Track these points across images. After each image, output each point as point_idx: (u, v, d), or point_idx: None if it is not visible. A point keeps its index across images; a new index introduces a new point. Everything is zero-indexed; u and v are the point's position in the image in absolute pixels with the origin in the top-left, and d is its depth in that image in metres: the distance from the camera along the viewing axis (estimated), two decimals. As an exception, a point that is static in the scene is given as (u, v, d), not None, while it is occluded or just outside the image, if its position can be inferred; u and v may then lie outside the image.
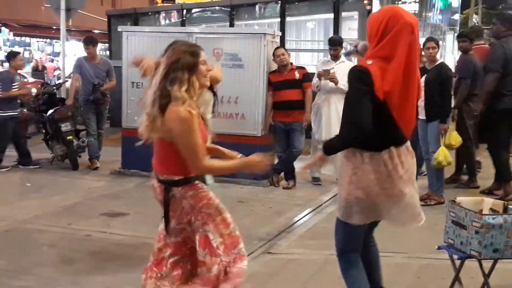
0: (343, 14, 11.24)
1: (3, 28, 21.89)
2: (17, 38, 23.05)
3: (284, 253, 4.92)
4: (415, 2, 13.51)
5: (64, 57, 10.69)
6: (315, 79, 7.26)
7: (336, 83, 6.98)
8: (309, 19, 14.32)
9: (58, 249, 4.86)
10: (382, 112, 2.95)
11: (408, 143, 3.16)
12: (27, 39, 23.82)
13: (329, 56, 7.50)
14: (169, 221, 3.02)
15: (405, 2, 12.68)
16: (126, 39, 7.75)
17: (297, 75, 7.19)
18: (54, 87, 9.30)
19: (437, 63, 6.40)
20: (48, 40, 24.59)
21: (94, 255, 4.74)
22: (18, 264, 4.49)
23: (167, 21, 13.60)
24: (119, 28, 8.16)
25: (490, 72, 6.68)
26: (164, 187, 2.99)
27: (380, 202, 3.06)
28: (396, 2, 11.90)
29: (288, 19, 11.82)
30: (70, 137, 8.06)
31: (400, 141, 3.09)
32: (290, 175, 7.35)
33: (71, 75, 8.79)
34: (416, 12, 14.23)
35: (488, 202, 3.72)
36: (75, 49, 19.35)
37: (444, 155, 6.19)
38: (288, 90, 7.15)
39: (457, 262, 3.65)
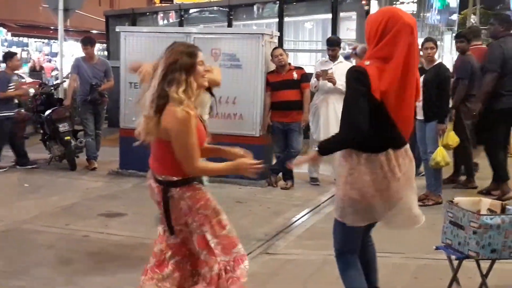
0: (341, 14, 11.25)
1: (1, 28, 21.85)
2: (15, 38, 23.02)
3: (282, 254, 4.92)
4: (413, 2, 13.53)
5: (62, 57, 10.68)
6: (313, 80, 7.26)
7: (334, 83, 6.98)
8: (307, 20, 14.32)
9: (56, 250, 4.86)
10: (380, 113, 2.95)
11: (407, 146, 3.14)
12: (25, 39, 23.79)
13: (327, 57, 7.51)
14: (170, 220, 3.02)
15: (403, 3, 12.69)
16: (124, 40, 7.75)
17: (295, 75, 7.19)
18: (52, 88, 9.29)
19: (435, 63, 6.42)
20: (46, 40, 24.55)
21: (92, 256, 4.73)
22: (16, 265, 4.49)
23: (165, 22, 13.59)
24: (117, 29, 8.16)
25: (488, 72, 6.69)
26: (162, 187, 2.99)
27: (375, 204, 3.06)
28: (394, 3, 11.90)
29: (286, 19, 11.82)
30: (68, 138, 8.05)
31: (398, 142, 3.08)
32: (288, 175, 7.35)
33: (69, 75, 8.78)
34: (414, 12, 14.25)
35: (486, 202, 3.73)
36: (73, 50, 19.29)
37: (442, 156, 6.20)
38: (286, 91, 7.15)
39: (455, 263, 3.65)
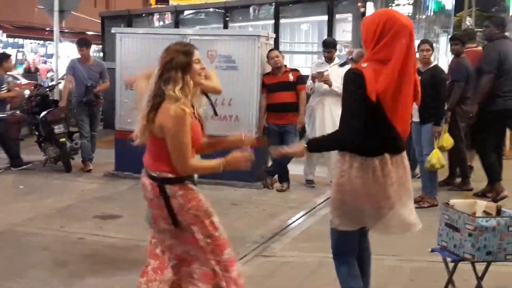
0: (337, 16, 11.25)
1: (-4, 30, 21.81)
2: (10, 40, 22.94)
3: (278, 256, 4.91)
4: (409, 4, 13.54)
5: (57, 58, 10.64)
6: (309, 82, 7.26)
7: (330, 85, 6.98)
8: (303, 21, 14.31)
9: (51, 252, 4.84)
10: (376, 114, 2.94)
11: (405, 153, 3.13)
12: (20, 41, 23.72)
13: (323, 58, 7.51)
14: (174, 213, 3.00)
15: (398, 5, 12.69)
16: (119, 41, 7.73)
17: (291, 77, 7.19)
18: (47, 89, 9.26)
19: (431, 65, 6.43)
20: (41, 42, 24.49)
21: (87, 258, 4.72)
22: (11, 267, 4.47)
23: (161, 23, 13.56)
24: (113, 30, 8.15)
25: (485, 73, 6.71)
26: (157, 184, 3.00)
27: (364, 208, 3.04)
28: (390, 5, 11.91)
29: (282, 21, 11.81)
30: (63, 139, 8.03)
31: (396, 145, 3.07)
32: (284, 177, 7.34)
33: (64, 76, 8.76)
34: (410, 14, 14.27)
35: (482, 204, 3.73)
36: (68, 51, 19.25)
37: (437, 158, 6.21)
38: (282, 92, 7.15)
39: (451, 265, 3.65)
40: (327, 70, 7.12)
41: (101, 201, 6.61)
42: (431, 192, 6.44)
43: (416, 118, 6.20)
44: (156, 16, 13.72)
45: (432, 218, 4.53)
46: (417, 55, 6.33)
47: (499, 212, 3.60)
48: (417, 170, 6.82)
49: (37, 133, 8.59)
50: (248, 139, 3.16)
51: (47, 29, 18.30)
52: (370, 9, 10.39)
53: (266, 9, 12.06)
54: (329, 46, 7.35)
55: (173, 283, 3.08)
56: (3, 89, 8.03)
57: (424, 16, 12.34)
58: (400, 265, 4.64)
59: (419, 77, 6.11)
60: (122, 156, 7.59)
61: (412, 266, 4.60)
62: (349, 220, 3.09)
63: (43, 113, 8.19)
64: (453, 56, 7.46)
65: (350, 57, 7.22)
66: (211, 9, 12.91)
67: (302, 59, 13.75)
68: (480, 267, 3.66)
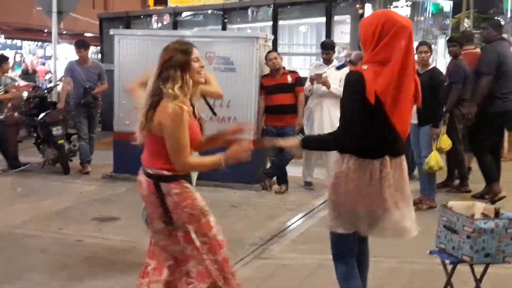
0: (335, 18, 11.25)
1: (-6, 31, 21.79)
2: (9, 41, 22.94)
3: (276, 258, 4.91)
4: (407, 6, 13.54)
5: (55, 60, 10.64)
6: (307, 83, 7.26)
7: (328, 87, 6.99)
8: (302, 23, 14.33)
9: (49, 254, 4.84)
10: (375, 115, 2.93)
11: (403, 157, 3.12)
12: (19, 42, 23.71)
13: (322, 60, 7.52)
14: (168, 211, 3.00)
15: (397, 6, 12.68)
16: (118, 43, 7.72)
17: (289, 79, 7.19)
18: (46, 91, 9.25)
19: (430, 67, 6.43)
20: (39, 43, 24.48)
21: (86, 260, 4.71)
22: (9, 269, 4.46)
23: (159, 25, 13.55)
24: (111, 31, 8.14)
25: (484, 75, 6.72)
26: (153, 181, 3.00)
27: (359, 210, 3.03)
28: (389, 6, 11.90)
29: (280, 22, 11.81)
30: (61, 141, 8.02)
31: (397, 147, 3.07)
32: (283, 179, 7.34)
33: (63, 78, 8.76)
34: (408, 16, 14.27)
35: (480, 206, 3.73)
36: (66, 52, 19.26)
37: (435, 160, 6.22)
38: (281, 94, 7.15)
39: (449, 267, 3.65)
40: (326, 72, 7.12)
41: (99, 203, 6.60)
42: (429, 194, 6.45)
43: (414, 120, 6.20)
44: (154, 18, 13.71)
45: (431, 220, 4.54)
46: (416, 57, 6.34)
47: (497, 214, 3.60)
48: (416, 172, 6.82)
49: (35, 135, 8.58)
50: (246, 125, 3.17)
51: (45, 30, 18.26)
52: (368, 10, 10.40)
53: (265, 10, 12.06)
54: (327, 48, 7.35)
55: (170, 284, 3.07)
56: (0, 90, 8.02)
57: (422, 18, 12.33)
58: (398, 267, 4.64)
59: (418, 79, 6.17)
60: (120, 158, 7.59)
61: (411, 268, 4.60)
62: (343, 222, 3.08)
63: (41, 115, 8.18)
64: (451, 58, 7.48)
65: (348, 59, 7.23)
66: (209, 11, 12.91)
67: (300, 61, 13.76)
68: (479, 269, 3.65)
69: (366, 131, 2.94)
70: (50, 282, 4.24)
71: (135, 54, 7.46)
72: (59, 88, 9.77)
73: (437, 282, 3.89)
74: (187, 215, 3.00)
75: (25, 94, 9.27)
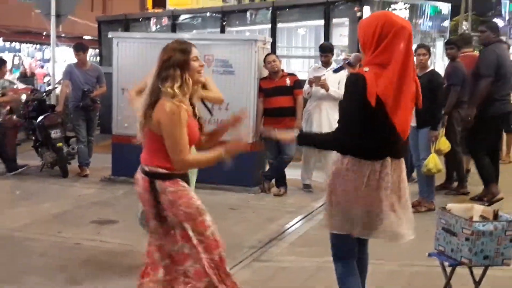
0: (334, 20, 11.25)
1: (-8, 34, 21.78)
2: (7, 44, 22.93)
3: (275, 261, 4.90)
4: (405, 8, 13.55)
5: (54, 63, 10.64)
6: (306, 86, 7.27)
7: (327, 89, 7.00)
8: (300, 26, 14.32)
9: (48, 258, 4.83)
10: (377, 116, 2.93)
11: (403, 160, 3.12)
12: (17, 45, 23.71)
13: (320, 63, 7.52)
14: (159, 209, 3.00)
15: (395, 9, 12.69)
16: (116, 45, 7.73)
17: (288, 81, 7.20)
18: (44, 94, 9.25)
19: (428, 70, 6.44)
20: (38, 46, 24.48)
21: (84, 264, 4.71)
22: (7, 273, 4.45)
23: (158, 27, 13.55)
24: (110, 34, 8.14)
25: (483, 77, 6.73)
26: (148, 178, 3.01)
27: (354, 211, 3.03)
28: (387, 9, 11.91)
29: (279, 25, 11.81)
30: (60, 144, 8.01)
31: (396, 149, 3.07)
32: (281, 182, 7.34)
33: (61, 81, 8.75)
34: (406, 18, 14.28)
35: (479, 209, 3.73)
36: (65, 55, 19.24)
37: (434, 162, 6.22)
38: (279, 97, 7.15)
39: (448, 270, 3.65)
40: (324, 74, 7.13)
41: (98, 206, 6.59)
42: (428, 196, 6.45)
43: (413, 123, 6.21)
44: (153, 21, 13.71)
45: (429, 222, 4.54)
46: (414, 59, 6.35)
47: (496, 216, 3.60)
48: (414, 174, 6.83)
49: (33, 138, 8.57)
50: (244, 113, 3.19)
51: (44, 33, 18.27)
52: (366, 13, 10.41)
53: (263, 13, 12.07)
54: (326, 50, 7.36)
55: (167, 283, 3.07)
56: None
57: (420, 21, 12.36)
58: (397, 269, 4.64)
59: (416, 82, 6.17)
60: (119, 161, 7.58)
61: (410, 271, 4.60)
62: (339, 223, 3.08)
63: (40, 118, 8.17)
64: (449, 60, 7.49)
65: (347, 61, 7.23)
66: (208, 14, 12.90)
67: (299, 63, 13.76)
68: (478, 271, 3.66)
69: (367, 131, 2.95)
70: (48, 285, 4.23)
71: (134, 57, 7.46)
72: (57, 91, 9.76)
73: (436, 284, 3.89)
74: (183, 214, 3.00)
75: (23, 97, 9.27)
